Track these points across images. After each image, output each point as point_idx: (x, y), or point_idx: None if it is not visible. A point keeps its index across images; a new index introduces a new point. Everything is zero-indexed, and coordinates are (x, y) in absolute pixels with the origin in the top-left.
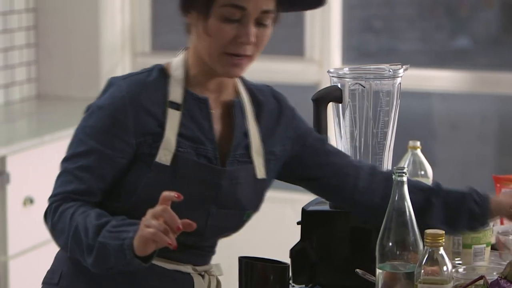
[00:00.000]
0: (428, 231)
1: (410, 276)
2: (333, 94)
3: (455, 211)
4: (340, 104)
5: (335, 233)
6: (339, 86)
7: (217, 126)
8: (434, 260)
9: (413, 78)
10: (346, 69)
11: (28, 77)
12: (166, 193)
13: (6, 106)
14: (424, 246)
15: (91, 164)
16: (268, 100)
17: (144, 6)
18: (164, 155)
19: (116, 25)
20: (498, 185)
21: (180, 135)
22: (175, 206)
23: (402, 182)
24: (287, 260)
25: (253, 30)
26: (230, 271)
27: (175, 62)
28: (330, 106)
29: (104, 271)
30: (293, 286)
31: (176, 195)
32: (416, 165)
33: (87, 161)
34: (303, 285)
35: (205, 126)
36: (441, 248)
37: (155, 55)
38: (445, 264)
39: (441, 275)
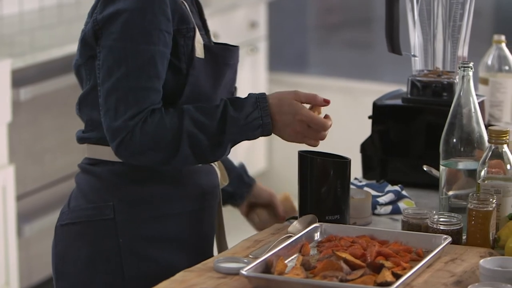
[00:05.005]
0: (492, 127)
1: (472, 173)
2: None
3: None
4: None
5: (407, 128)
6: None
7: None
8: (498, 157)
9: None
10: None
11: None
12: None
13: None
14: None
15: (157, 70)
16: None
17: None
18: (199, 48)
19: None
20: None
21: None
22: (209, 96)
23: (468, 77)
24: (357, 155)
25: None
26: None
27: None
28: None
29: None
30: (360, 182)
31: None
32: (501, 59)
33: (151, 69)
34: (374, 181)
35: (196, 16)
36: (506, 146)
37: None
38: (510, 162)
39: (505, 173)
